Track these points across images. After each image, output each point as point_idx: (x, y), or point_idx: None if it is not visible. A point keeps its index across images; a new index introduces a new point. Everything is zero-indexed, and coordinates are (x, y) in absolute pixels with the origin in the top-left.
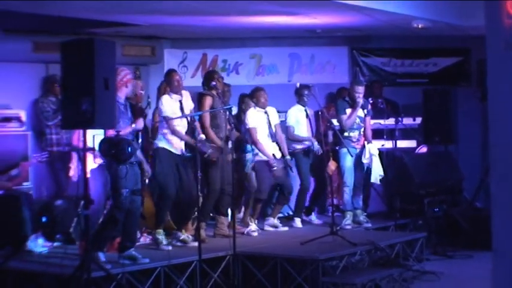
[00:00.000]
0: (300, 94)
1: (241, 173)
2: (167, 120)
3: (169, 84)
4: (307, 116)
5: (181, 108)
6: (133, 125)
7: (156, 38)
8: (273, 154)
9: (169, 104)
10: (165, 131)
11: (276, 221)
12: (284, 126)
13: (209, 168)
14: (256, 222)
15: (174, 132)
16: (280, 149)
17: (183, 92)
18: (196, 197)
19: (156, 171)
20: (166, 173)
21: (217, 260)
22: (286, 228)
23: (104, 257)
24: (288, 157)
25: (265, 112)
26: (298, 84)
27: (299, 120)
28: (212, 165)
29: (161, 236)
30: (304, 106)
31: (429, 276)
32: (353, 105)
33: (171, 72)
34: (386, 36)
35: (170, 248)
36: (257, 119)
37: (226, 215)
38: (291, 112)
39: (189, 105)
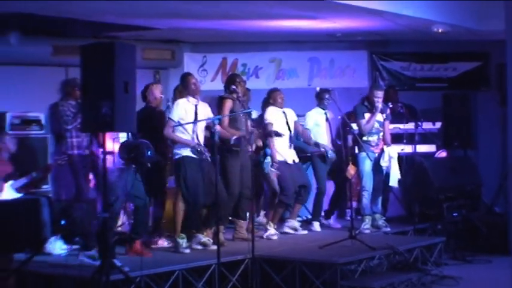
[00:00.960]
0: (320, 98)
1: (259, 175)
2: (168, 123)
3: (185, 87)
4: (327, 119)
5: (196, 113)
6: None
7: (175, 42)
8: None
9: (183, 108)
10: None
11: (296, 223)
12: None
13: (228, 172)
14: (275, 226)
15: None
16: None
17: (202, 102)
18: (224, 200)
19: (184, 179)
20: (194, 180)
21: (235, 264)
22: (305, 232)
23: (119, 263)
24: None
25: (283, 112)
26: (318, 89)
27: (318, 123)
28: (231, 169)
29: (182, 239)
30: (324, 109)
31: (448, 281)
32: (372, 110)
33: (186, 76)
34: (406, 40)
35: (188, 251)
36: (275, 116)
37: (245, 219)
38: (310, 115)
39: (206, 113)
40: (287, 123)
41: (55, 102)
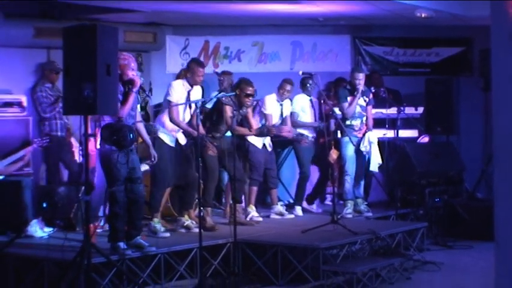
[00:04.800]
0: (304, 84)
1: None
2: (171, 105)
3: (192, 73)
4: (312, 105)
5: (188, 99)
6: None
7: (158, 25)
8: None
9: (179, 90)
10: (165, 118)
11: (281, 208)
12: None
13: (206, 154)
14: (255, 208)
15: (172, 119)
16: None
17: (196, 87)
18: (196, 181)
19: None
20: (162, 161)
21: (217, 248)
22: (292, 216)
23: (124, 245)
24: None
25: (281, 104)
26: (300, 72)
27: (304, 108)
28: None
29: (157, 224)
30: (309, 96)
31: (430, 266)
32: (353, 93)
33: (198, 64)
34: (389, 25)
35: (168, 234)
36: (274, 107)
37: (241, 202)
38: (297, 99)
39: (198, 97)
40: (281, 115)
41: (33, 86)
